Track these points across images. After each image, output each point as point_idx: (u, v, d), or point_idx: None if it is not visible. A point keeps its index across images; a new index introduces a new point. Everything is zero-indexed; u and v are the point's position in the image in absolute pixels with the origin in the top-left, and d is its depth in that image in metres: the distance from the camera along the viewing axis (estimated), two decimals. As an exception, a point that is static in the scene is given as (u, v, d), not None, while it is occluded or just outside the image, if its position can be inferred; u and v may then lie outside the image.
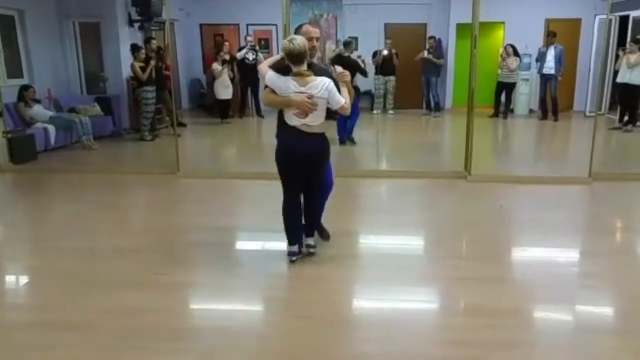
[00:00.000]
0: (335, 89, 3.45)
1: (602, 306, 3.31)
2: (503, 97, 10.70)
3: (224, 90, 10.17)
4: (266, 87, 3.53)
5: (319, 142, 3.55)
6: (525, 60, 10.85)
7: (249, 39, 10.83)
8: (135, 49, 8.51)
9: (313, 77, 3.41)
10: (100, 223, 4.78)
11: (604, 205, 5.36)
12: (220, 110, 10.31)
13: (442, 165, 6.96)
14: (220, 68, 10.05)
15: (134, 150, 8.38)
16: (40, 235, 4.61)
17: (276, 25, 10.82)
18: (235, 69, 10.52)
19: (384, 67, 10.88)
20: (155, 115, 8.86)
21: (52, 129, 7.65)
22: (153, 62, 8.42)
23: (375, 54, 10.90)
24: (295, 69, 3.39)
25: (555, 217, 4.81)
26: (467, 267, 3.79)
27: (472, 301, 3.27)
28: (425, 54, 11.01)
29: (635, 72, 8.82)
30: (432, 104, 11.24)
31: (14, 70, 8.22)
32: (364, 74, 8.46)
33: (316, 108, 3.41)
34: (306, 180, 3.63)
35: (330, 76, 3.53)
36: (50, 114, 7.93)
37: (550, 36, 10.31)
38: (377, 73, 10.93)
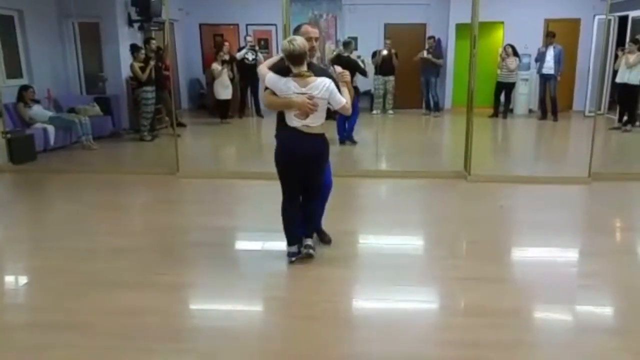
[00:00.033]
0: (335, 89, 3.45)
1: (602, 306, 3.31)
2: (502, 97, 10.70)
3: (224, 90, 10.16)
4: (266, 88, 3.51)
5: (319, 142, 3.54)
6: (525, 60, 10.86)
7: (249, 38, 10.83)
8: (134, 48, 8.50)
9: (313, 78, 3.39)
10: (99, 223, 4.78)
11: (603, 205, 5.37)
12: (220, 110, 10.31)
13: (442, 165, 6.96)
14: (219, 68, 10.04)
15: (133, 150, 8.38)
16: (39, 235, 4.61)
17: (275, 25, 10.83)
18: (235, 68, 10.52)
19: (383, 67, 10.88)
20: (154, 115, 8.86)
21: (51, 129, 7.64)
22: (152, 62, 8.42)
23: (374, 54, 10.90)
24: (295, 70, 3.38)
25: (554, 216, 4.82)
26: (466, 267, 3.79)
27: (471, 301, 3.27)
28: (425, 53, 11.01)
29: (634, 71, 8.83)
30: (432, 103, 11.24)
31: (13, 70, 8.21)
32: (364, 73, 8.46)
33: (317, 109, 3.40)
34: (305, 180, 3.61)
35: (329, 76, 3.53)
36: (50, 114, 7.92)
37: (549, 36, 10.32)
38: (376, 73, 10.93)
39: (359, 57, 9.03)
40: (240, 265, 3.92)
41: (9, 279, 3.82)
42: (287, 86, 3.39)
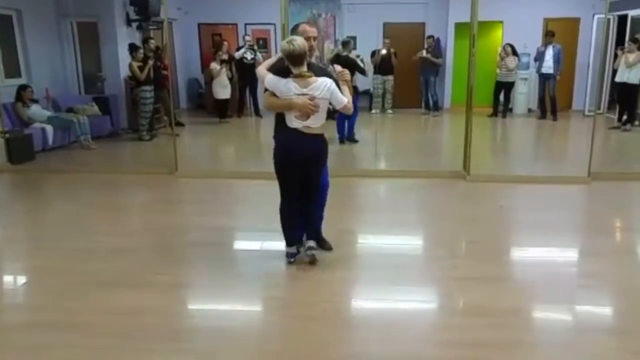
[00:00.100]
0: (336, 88, 3.43)
1: (601, 306, 3.32)
2: (501, 97, 10.70)
3: (222, 89, 10.15)
4: (265, 90, 3.47)
5: (318, 143, 3.50)
6: (524, 59, 10.86)
7: (247, 38, 10.82)
8: (133, 48, 8.49)
9: (314, 78, 3.36)
10: (98, 223, 4.77)
11: (602, 205, 5.36)
12: (218, 110, 10.30)
13: (441, 165, 6.96)
14: (218, 67, 10.03)
15: (132, 150, 8.37)
16: (38, 235, 4.60)
17: (274, 24, 10.83)
18: (233, 68, 10.51)
19: (382, 66, 10.87)
20: (153, 114, 8.85)
21: (49, 128, 7.62)
22: (151, 62, 8.41)
23: (373, 54, 10.89)
24: (295, 71, 3.34)
25: (554, 216, 4.81)
26: (466, 267, 3.79)
27: (471, 301, 3.27)
28: (424, 53, 11.00)
29: (633, 71, 8.83)
30: (431, 103, 11.23)
31: (12, 70, 8.19)
32: (363, 72, 8.46)
33: (317, 110, 3.37)
34: (304, 181, 3.58)
35: (329, 75, 3.51)
36: (48, 113, 7.91)
37: (549, 35, 10.32)
38: (375, 72, 10.92)
39: (358, 56, 9.02)
40: (239, 265, 3.92)
41: (8, 279, 3.82)
42: (287, 87, 3.35)
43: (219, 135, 9.65)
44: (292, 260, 3.71)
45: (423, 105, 11.47)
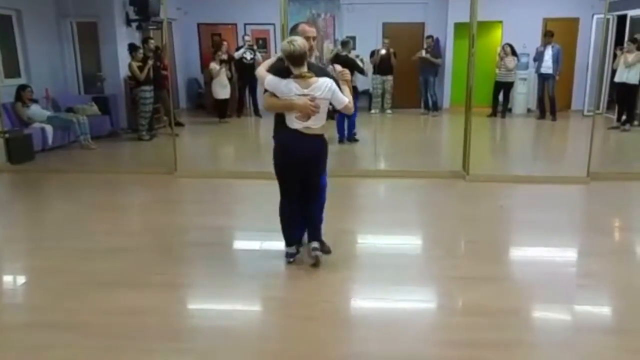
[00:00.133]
0: (337, 88, 3.42)
1: (600, 305, 3.32)
2: (501, 97, 10.70)
3: (222, 89, 10.16)
4: (265, 91, 3.45)
5: (318, 143, 3.50)
6: (523, 59, 10.86)
7: (247, 38, 10.83)
8: (132, 48, 8.49)
9: (315, 79, 3.34)
10: (98, 223, 4.77)
11: (601, 205, 5.37)
12: (218, 110, 10.31)
13: (440, 165, 6.96)
14: (218, 67, 10.03)
15: (132, 150, 8.37)
16: (37, 235, 4.60)
17: (274, 24, 10.83)
18: (233, 68, 10.51)
19: (382, 66, 10.89)
20: (152, 114, 8.85)
21: (49, 128, 7.63)
22: (150, 62, 8.41)
23: (372, 54, 10.90)
24: (295, 71, 3.32)
25: (553, 216, 4.82)
26: (465, 267, 3.79)
27: (470, 300, 3.28)
28: (423, 53, 11.01)
29: (632, 71, 8.84)
30: (430, 103, 11.24)
31: (11, 70, 8.19)
32: (362, 72, 8.46)
33: (318, 110, 3.36)
34: (304, 181, 3.58)
35: (328, 75, 3.51)
36: (48, 113, 7.91)
37: (548, 35, 10.33)
38: (374, 72, 10.93)
39: (357, 56, 9.03)
40: (238, 265, 3.92)
41: (8, 279, 3.82)
42: (288, 88, 3.33)
43: (219, 135, 9.65)
44: (291, 260, 3.71)
45: (422, 105, 11.47)
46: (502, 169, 6.83)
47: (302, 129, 3.40)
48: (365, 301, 3.37)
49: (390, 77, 11.07)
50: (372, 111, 11.27)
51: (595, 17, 10.21)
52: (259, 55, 10.36)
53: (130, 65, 8.39)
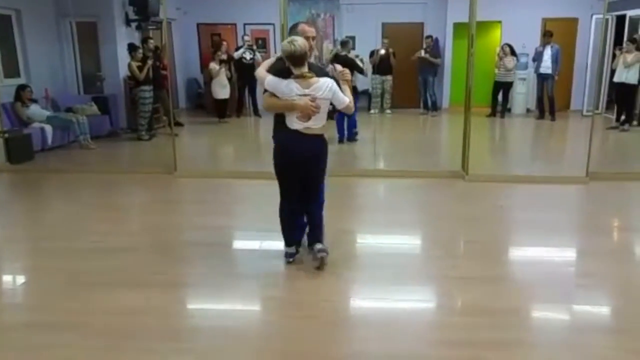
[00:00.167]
0: (338, 88, 3.42)
1: (599, 305, 3.33)
2: (500, 97, 10.71)
3: (221, 89, 10.16)
4: (265, 91, 3.44)
5: (318, 143, 3.49)
6: (522, 59, 10.87)
7: (246, 38, 10.83)
8: (132, 48, 8.50)
9: (316, 79, 3.34)
10: (97, 223, 4.77)
11: (600, 205, 5.38)
12: (218, 110, 10.31)
13: (440, 165, 6.97)
14: (217, 67, 10.03)
15: (131, 150, 8.37)
16: (37, 235, 4.60)
17: (273, 24, 10.83)
18: (233, 68, 10.52)
19: (381, 66, 10.89)
20: (152, 114, 8.85)
21: (49, 128, 7.63)
22: (150, 62, 8.41)
23: (372, 54, 10.90)
24: (296, 71, 3.31)
25: (552, 216, 4.83)
26: (464, 266, 3.80)
27: (469, 300, 3.28)
28: (422, 53, 11.01)
29: (631, 71, 8.86)
30: (429, 103, 11.24)
31: (11, 70, 8.20)
32: (361, 71, 8.46)
33: (319, 110, 3.35)
34: (305, 181, 3.57)
35: (328, 75, 3.51)
36: (47, 113, 7.91)
37: (547, 35, 10.34)
38: (374, 72, 10.94)
39: (357, 56, 9.03)
40: (238, 265, 3.93)
41: (7, 278, 3.82)
42: (289, 88, 3.32)
43: (218, 135, 9.65)
44: (291, 260, 3.71)
45: (422, 105, 11.48)
46: (501, 169, 6.84)
47: (302, 130, 3.39)
48: (365, 301, 3.38)
49: (389, 77, 11.07)
50: (372, 111, 11.27)
51: (594, 17, 10.21)
52: (258, 55, 10.37)
53: (129, 65, 8.39)
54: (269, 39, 11.67)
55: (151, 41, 8.84)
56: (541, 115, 10.45)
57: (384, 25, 11.67)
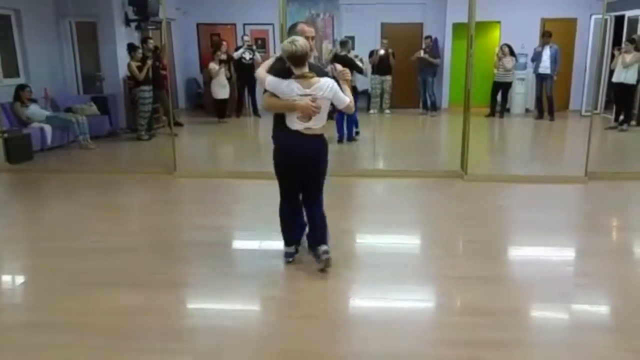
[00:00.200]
0: (339, 88, 3.42)
1: (598, 305, 3.34)
2: (499, 97, 10.72)
3: (221, 89, 10.16)
4: (265, 91, 3.43)
5: (318, 143, 3.48)
6: (521, 59, 10.88)
7: (246, 38, 10.83)
8: (131, 48, 8.50)
9: (317, 79, 3.33)
10: (97, 223, 4.78)
11: (599, 204, 5.39)
12: (217, 110, 10.31)
13: (439, 165, 6.98)
14: (217, 67, 10.04)
15: (131, 150, 8.37)
16: (36, 235, 4.60)
17: (273, 24, 10.84)
18: (232, 68, 10.52)
19: (380, 66, 10.89)
20: (152, 114, 8.85)
21: (48, 128, 7.63)
22: (149, 62, 8.41)
23: (371, 54, 10.91)
24: (297, 71, 3.30)
25: (551, 216, 4.84)
26: (463, 266, 3.81)
27: (469, 300, 3.29)
28: (421, 53, 11.02)
29: (630, 71, 8.87)
30: (429, 103, 11.25)
31: (10, 70, 8.20)
32: (360, 71, 8.47)
33: (319, 110, 3.35)
34: (305, 181, 3.57)
35: (327, 75, 3.51)
36: (47, 113, 7.91)
37: (546, 36, 10.35)
38: (373, 72, 10.94)
39: (356, 56, 9.04)
40: (238, 265, 3.93)
41: (7, 279, 3.82)
42: (290, 88, 3.31)
43: (218, 135, 9.65)
44: (290, 260, 3.72)
45: (421, 105, 11.49)
46: (500, 168, 6.84)
47: (302, 130, 3.39)
48: (364, 300, 3.38)
49: (388, 77, 11.08)
50: (371, 111, 11.27)
51: (593, 17, 10.22)
52: (258, 55, 10.38)
53: (129, 65, 8.39)
54: (268, 39, 11.68)
55: (151, 41, 8.84)
56: (540, 115, 10.47)
57: (383, 25, 11.68)
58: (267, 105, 3.49)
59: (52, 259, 3.93)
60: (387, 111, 11.30)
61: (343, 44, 8.50)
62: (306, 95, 3.31)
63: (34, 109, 7.71)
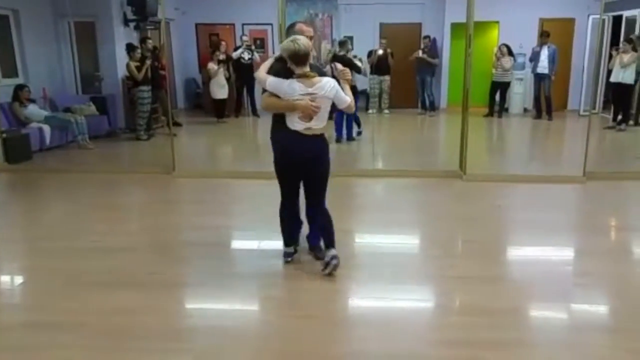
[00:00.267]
0: (340, 88, 3.41)
1: (598, 304, 3.34)
2: (497, 96, 10.74)
3: (220, 89, 10.17)
4: (264, 91, 3.41)
5: (319, 143, 3.45)
6: (519, 59, 10.90)
7: (245, 38, 10.83)
8: (130, 48, 8.50)
9: (318, 78, 3.31)
10: (96, 223, 4.77)
11: (598, 204, 5.40)
12: (216, 110, 10.31)
13: (437, 164, 6.99)
14: (215, 67, 10.04)
15: (130, 150, 8.37)
16: (35, 235, 4.59)
17: (271, 24, 10.85)
18: (231, 68, 10.52)
19: (379, 66, 10.90)
20: (150, 114, 8.85)
21: (47, 128, 7.63)
22: (148, 62, 8.42)
23: (370, 54, 10.91)
24: (298, 71, 3.28)
25: (549, 215, 4.84)
26: (463, 266, 3.81)
27: (468, 300, 3.29)
28: (420, 53, 11.03)
29: (628, 71, 8.89)
30: (427, 103, 11.27)
31: (9, 70, 8.20)
32: (359, 71, 8.47)
33: (319, 110, 3.33)
34: (306, 182, 3.56)
35: (326, 75, 3.51)
36: (45, 113, 7.91)
37: (544, 36, 10.37)
38: (372, 72, 10.94)
39: (355, 56, 9.03)
40: (237, 265, 3.93)
41: (5, 279, 3.81)
42: (291, 88, 3.28)
43: (217, 135, 9.66)
44: (289, 260, 3.72)
45: (419, 105, 11.50)
46: (498, 168, 6.85)
47: (302, 130, 3.36)
48: (364, 300, 3.38)
49: (387, 77, 11.09)
50: (370, 111, 11.27)
51: (591, 17, 10.25)
52: (256, 56, 10.39)
53: (128, 65, 8.39)
54: (267, 39, 11.68)
55: (149, 41, 8.84)
56: (538, 115, 10.48)
57: (381, 25, 11.69)
58: (266, 105, 3.46)
59: (51, 259, 3.93)
60: (386, 111, 11.31)
61: (342, 44, 8.50)
62: (308, 94, 3.28)
63: (32, 109, 7.71)
